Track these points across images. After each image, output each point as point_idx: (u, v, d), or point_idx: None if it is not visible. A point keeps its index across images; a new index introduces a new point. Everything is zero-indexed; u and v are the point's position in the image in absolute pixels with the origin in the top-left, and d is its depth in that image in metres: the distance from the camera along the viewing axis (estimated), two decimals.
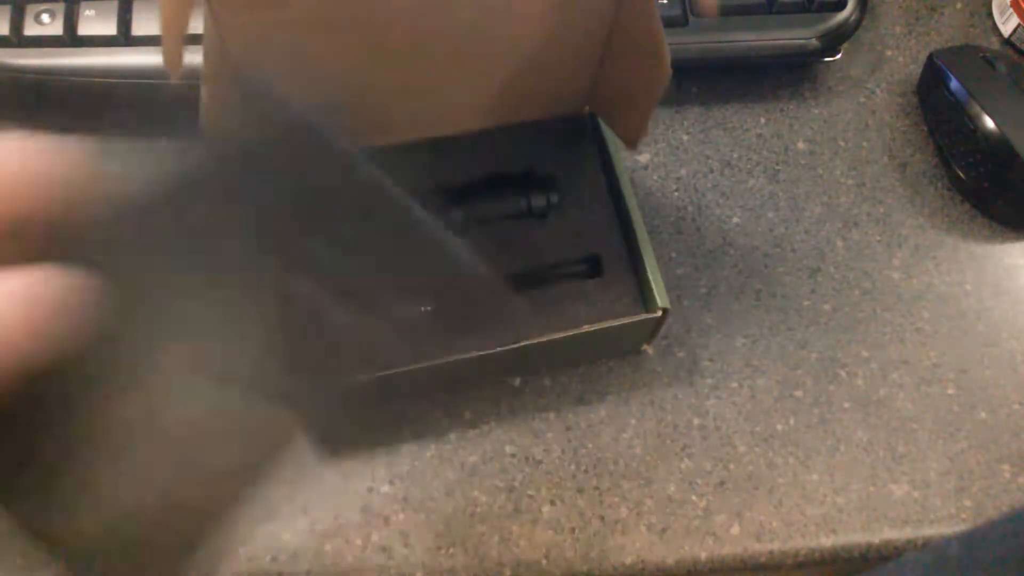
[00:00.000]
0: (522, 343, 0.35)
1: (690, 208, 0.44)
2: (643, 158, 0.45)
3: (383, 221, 0.24)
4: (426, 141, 0.39)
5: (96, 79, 0.41)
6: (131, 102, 0.42)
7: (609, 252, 0.39)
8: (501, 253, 0.38)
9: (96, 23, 0.41)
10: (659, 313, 0.36)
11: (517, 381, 0.40)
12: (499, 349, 0.35)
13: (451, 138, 0.39)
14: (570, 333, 0.36)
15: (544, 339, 0.36)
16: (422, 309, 0.37)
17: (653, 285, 0.37)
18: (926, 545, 0.37)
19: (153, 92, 0.41)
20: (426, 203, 0.38)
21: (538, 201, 0.39)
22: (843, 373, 0.41)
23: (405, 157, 0.39)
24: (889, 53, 0.49)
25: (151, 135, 0.43)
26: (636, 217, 0.38)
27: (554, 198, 0.39)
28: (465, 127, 0.39)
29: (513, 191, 0.39)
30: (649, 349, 0.40)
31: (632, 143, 0.38)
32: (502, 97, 0.38)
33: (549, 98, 0.39)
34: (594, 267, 0.39)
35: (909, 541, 0.38)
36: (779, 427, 0.39)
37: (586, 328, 0.36)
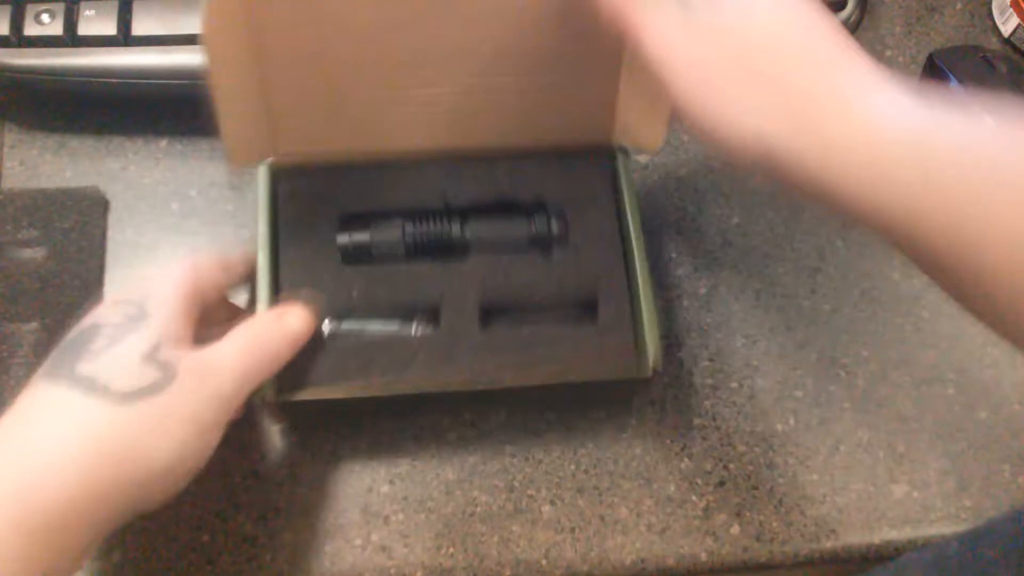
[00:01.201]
0: (486, 387, 0.35)
1: (690, 208, 0.44)
2: (643, 158, 0.45)
3: None
4: (440, 158, 0.38)
5: (96, 79, 0.41)
6: (132, 102, 0.42)
7: (609, 297, 0.36)
8: (502, 286, 0.37)
9: (96, 23, 0.41)
10: (649, 374, 0.35)
11: None
12: (462, 389, 0.35)
13: (467, 159, 0.38)
14: (543, 382, 0.35)
15: (511, 384, 0.35)
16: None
17: (648, 341, 0.35)
18: (926, 545, 0.37)
19: (153, 92, 0.41)
20: (432, 219, 0.37)
21: (541, 229, 0.37)
22: (843, 373, 0.41)
23: (418, 173, 0.38)
24: (889, 53, 0.49)
25: (152, 135, 0.44)
26: (641, 265, 0.36)
27: (556, 228, 0.37)
28: (484, 140, 0.38)
29: (517, 216, 0.37)
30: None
31: (650, 149, 0.39)
32: (524, 111, 0.37)
33: (571, 118, 0.38)
34: (590, 312, 0.37)
35: (909, 541, 0.38)
36: (779, 427, 0.39)
37: (559, 379, 0.35)
